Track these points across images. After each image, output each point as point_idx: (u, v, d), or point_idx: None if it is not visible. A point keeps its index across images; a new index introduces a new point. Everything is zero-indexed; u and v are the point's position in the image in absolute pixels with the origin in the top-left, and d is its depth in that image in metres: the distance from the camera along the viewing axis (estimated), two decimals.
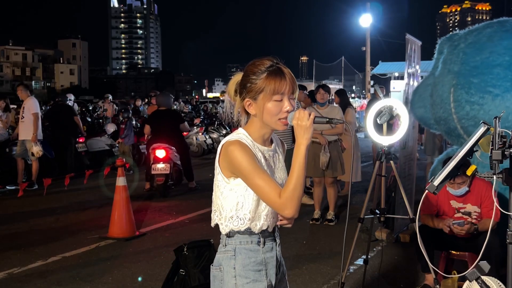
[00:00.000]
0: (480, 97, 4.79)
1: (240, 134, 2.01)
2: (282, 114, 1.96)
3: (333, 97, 11.75)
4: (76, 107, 16.26)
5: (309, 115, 1.91)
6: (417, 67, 6.30)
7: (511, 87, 4.69)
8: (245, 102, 2.00)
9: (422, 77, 6.53)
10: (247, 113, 2.05)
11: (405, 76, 5.99)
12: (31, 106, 9.07)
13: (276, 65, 1.97)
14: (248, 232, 2.02)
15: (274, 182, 1.92)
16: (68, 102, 12.93)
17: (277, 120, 1.97)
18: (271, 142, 2.11)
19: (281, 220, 2.10)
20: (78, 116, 11.79)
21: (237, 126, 2.12)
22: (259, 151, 2.00)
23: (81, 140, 11.21)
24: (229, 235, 2.03)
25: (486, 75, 4.80)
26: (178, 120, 8.94)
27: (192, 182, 9.12)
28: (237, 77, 2.06)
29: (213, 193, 2.08)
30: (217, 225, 2.08)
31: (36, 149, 8.92)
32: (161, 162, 8.26)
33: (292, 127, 1.97)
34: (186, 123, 9.32)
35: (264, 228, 2.04)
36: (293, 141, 4.05)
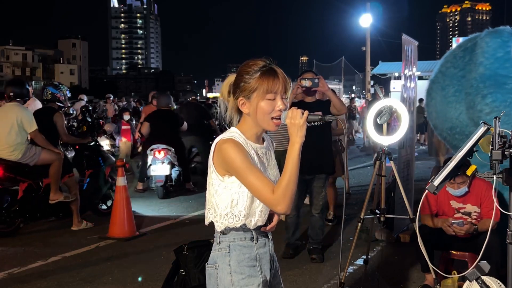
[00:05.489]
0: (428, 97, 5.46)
1: (233, 132, 2.05)
2: (274, 112, 2.02)
3: None
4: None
5: (302, 113, 1.96)
6: (414, 68, 6.30)
7: (441, 90, 5.23)
8: (238, 101, 2.05)
9: (423, 77, 6.58)
10: (240, 113, 2.10)
11: (402, 77, 5.99)
12: (35, 109, 9.08)
13: (269, 65, 2.03)
14: (243, 228, 2.06)
15: (267, 179, 1.96)
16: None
17: (270, 120, 2.02)
18: (263, 140, 2.15)
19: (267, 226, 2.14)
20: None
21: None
22: (252, 149, 2.05)
23: None
24: (224, 232, 2.07)
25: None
26: (178, 121, 8.92)
27: (189, 183, 9.10)
28: (230, 79, 2.12)
29: (207, 192, 2.12)
30: (210, 224, 2.11)
31: None
32: (162, 163, 8.25)
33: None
34: (185, 124, 9.26)
35: (259, 224, 2.08)
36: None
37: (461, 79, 5.09)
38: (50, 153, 6.23)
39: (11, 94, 6.23)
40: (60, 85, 6.87)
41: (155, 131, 8.50)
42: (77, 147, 7.14)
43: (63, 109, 6.90)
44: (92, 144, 7.18)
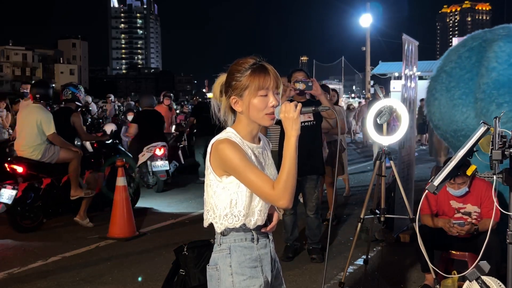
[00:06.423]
0: (431, 97, 5.43)
1: (228, 132, 2.05)
2: (268, 109, 2.02)
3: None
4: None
5: (295, 106, 1.97)
6: (414, 68, 6.29)
7: (446, 91, 5.19)
8: (231, 100, 2.05)
9: (423, 77, 6.60)
10: (234, 112, 2.10)
11: (402, 77, 5.99)
12: None
13: (259, 62, 2.03)
14: (243, 228, 2.05)
15: (266, 175, 1.97)
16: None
17: (264, 115, 2.02)
18: (259, 140, 2.15)
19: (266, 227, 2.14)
20: None
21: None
22: (248, 148, 2.05)
23: None
24: (224, 233, 2.06)
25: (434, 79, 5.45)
26: (162, 120, 9.34)
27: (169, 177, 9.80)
28: (221, 79, 2.12)
29: (205, 193, 2.11)
30: (211, 225, 2.10)
31: None
32: (160, 159, 8.72)
33: (281, 127, 1.99)
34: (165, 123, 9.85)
35: (259, 223, 2.07)
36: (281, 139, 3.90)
37: (469, 82, 5.01)
38: (69, 152, 6.47)
39: (37, 95, 6.45)
40: (78, 85, 7.14)
41: (141, 131, 8.79)
42: (95, 145, 7.27)
43: (79, 109, 7.08)
44: (109, 141, 7.36)
